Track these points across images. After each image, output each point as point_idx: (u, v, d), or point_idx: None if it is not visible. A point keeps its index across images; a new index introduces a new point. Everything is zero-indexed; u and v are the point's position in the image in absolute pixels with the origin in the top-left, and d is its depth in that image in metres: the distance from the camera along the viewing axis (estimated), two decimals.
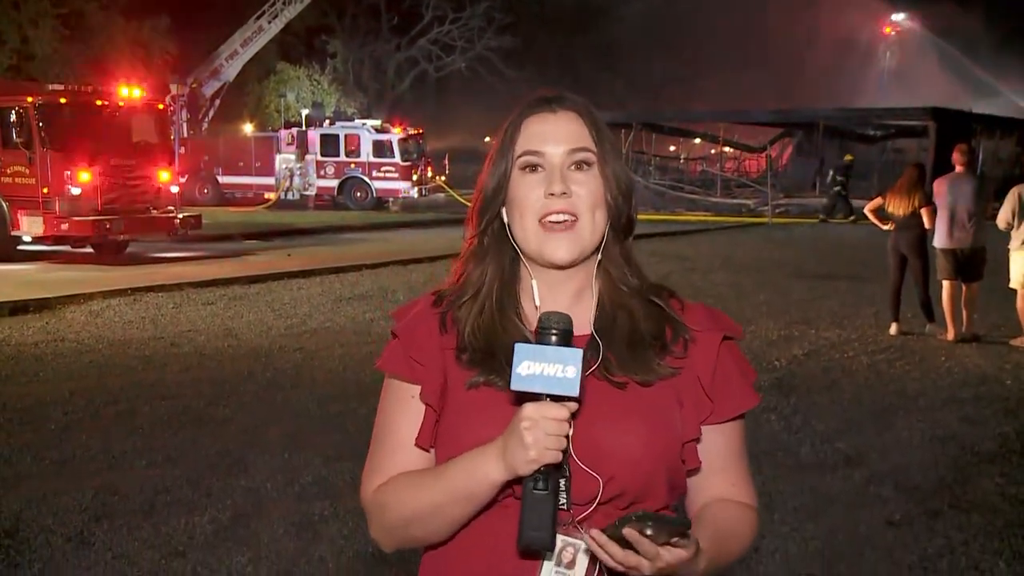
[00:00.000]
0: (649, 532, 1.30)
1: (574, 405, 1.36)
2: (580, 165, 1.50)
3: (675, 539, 1.32)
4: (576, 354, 1.34)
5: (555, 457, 1.34)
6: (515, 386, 1.34)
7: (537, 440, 1.33)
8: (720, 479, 1.55)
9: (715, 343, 1.52)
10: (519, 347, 1.35)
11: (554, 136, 1.50)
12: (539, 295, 1.52)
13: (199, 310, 11.12)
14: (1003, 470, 5.66)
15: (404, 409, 1.54)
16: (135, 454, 5.82)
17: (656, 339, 1.50)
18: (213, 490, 5.20)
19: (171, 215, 17.23)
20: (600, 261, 1.53)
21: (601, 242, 1.52)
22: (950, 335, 9.43)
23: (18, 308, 10.89)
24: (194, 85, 33.27)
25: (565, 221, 1.48)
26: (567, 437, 1.36)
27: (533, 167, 1.50)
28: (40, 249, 16.22)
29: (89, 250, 16.73)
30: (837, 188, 26.02)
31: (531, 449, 1.33)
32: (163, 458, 5.75)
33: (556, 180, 1.48)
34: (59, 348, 8.96)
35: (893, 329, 9.80)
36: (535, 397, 1.35)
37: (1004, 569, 4.30)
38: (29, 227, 15.78)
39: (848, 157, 27.32)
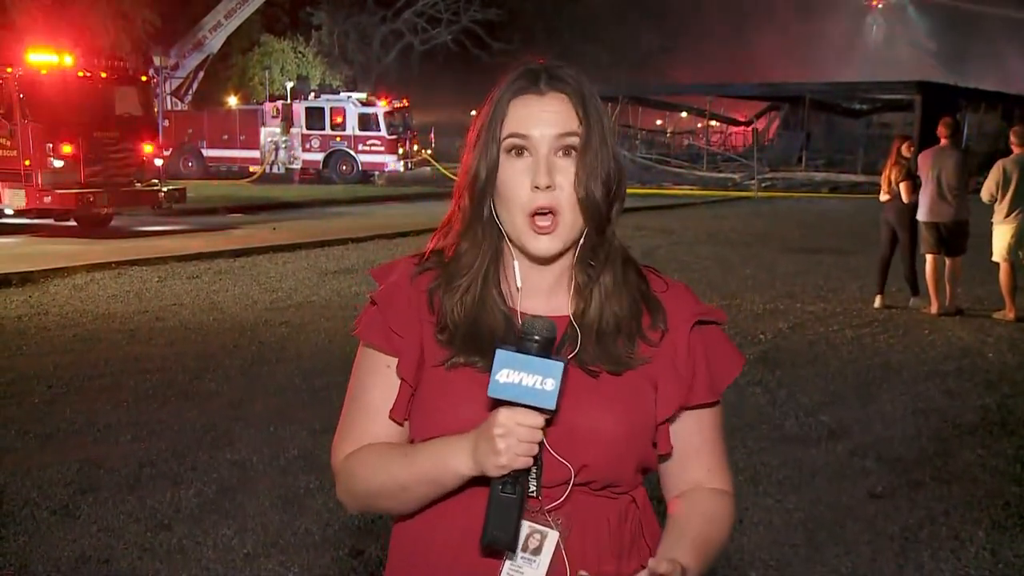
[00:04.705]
0: None
1: (550, 414, 1.34)
2: (568, 151, 1.46)
3: None
4: (557, 367, 1.31)
5: (526, 463, 1.34)
6: (492, 393, 1.32)
7: (509, 447, 1.32)
8: (695, 464, 1.54)
9: (692, 327, 1.52)
10: (500, 353, 1.33)
11: (542, 119, 1.46)
12: (520, 276, 1.50)
13: (184, 284, 11.08)
14: (984, 442, 5.72)
15: (379, 378, 1.52)
16: (120, 427, 5.81)
17: (632, 327, 1.49)
18: (199, 463, 5.20)
19: (155, 188, 17.13)
20: (581, 248, 1.50)
21: (583, 231, 1.49)
22: (933, 308, 9.49)
23: (1, 281, 10.80)
24: (169, 60, 32.65)
25: (550, 223, 1.45)
26: (540, 444, 1.35)
27: (519, 150, 1.46)
28: (22, 222, 16.07)
29: (72, 223, 16.61)
30: None
31: (502, 456, 1.33)
32: (148, 431, 5.74)
33: (542, 171, 1.44)
34: (43, 322, 8.91)
35: (877, 302, 9.85)
36: (511, 402, 1.33)
37: (983, 539, 4.35)
38: (11, 200, 15.63)
39: None
